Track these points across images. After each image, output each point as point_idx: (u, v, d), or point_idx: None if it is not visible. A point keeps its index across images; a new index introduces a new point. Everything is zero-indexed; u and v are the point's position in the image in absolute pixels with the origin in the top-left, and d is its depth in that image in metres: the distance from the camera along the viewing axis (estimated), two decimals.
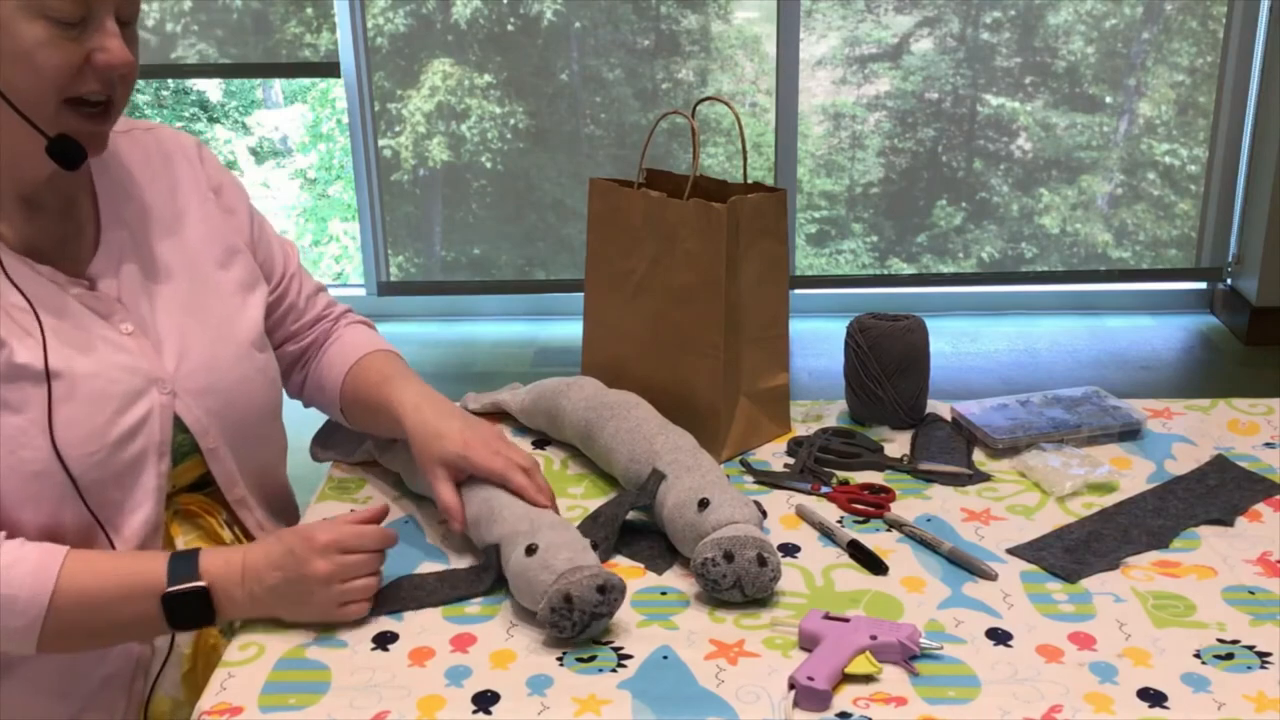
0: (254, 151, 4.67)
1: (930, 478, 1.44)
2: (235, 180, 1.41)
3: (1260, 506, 1.37)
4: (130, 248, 1.26)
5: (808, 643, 1.12)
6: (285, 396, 1.45)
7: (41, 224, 1.20)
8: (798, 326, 2.96)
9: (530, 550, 1.15)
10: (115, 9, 1.11)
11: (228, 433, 1.30)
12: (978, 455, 1.50)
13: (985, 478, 1.44)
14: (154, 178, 1.31)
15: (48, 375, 1.14)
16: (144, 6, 3.03)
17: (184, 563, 1.15)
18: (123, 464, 1.20)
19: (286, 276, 1.43)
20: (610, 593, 1.13)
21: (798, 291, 3.90)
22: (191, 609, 1.14)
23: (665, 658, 1.12)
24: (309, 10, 3.82)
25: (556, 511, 1.27)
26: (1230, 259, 3.94)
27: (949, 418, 1.58)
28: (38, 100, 1.10)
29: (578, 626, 1.12)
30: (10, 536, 1.13)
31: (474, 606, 1.20)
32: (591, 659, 1.12)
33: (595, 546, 1.21)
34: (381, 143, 3.90)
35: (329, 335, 1.47)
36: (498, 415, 1.60)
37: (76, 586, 1.12)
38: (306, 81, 4.49)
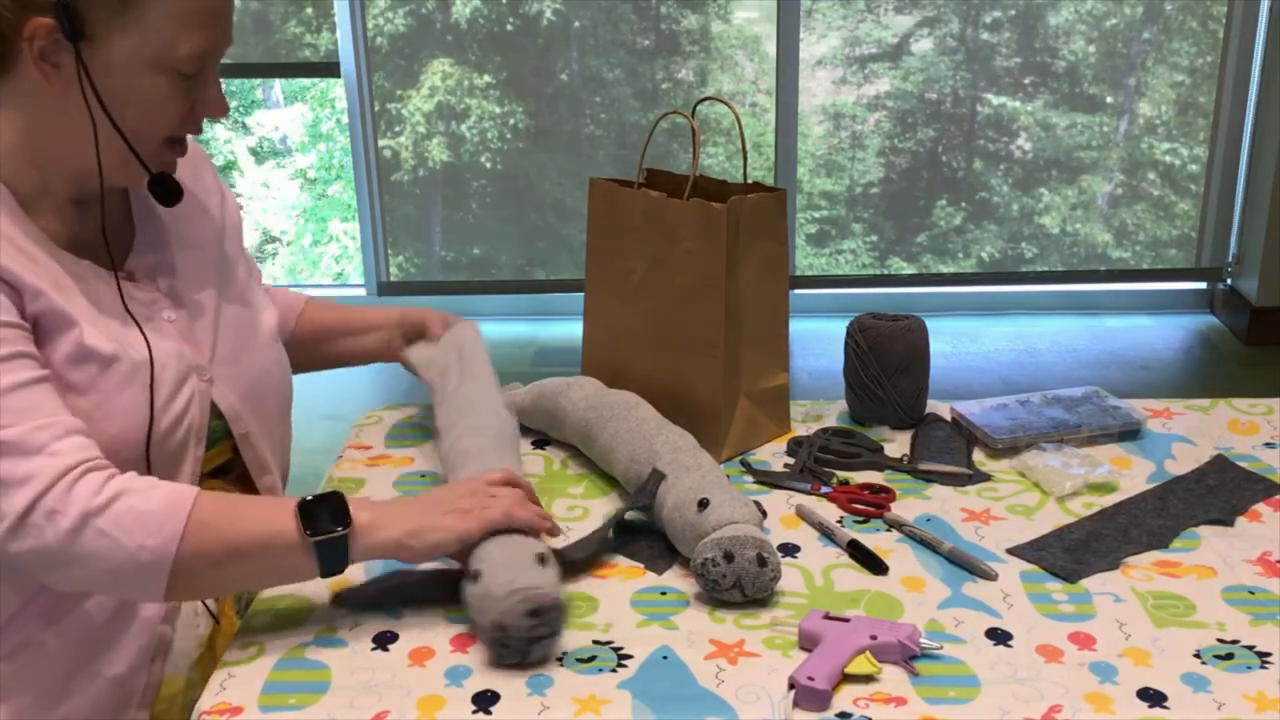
0: (254, 151, 4.66)
1: (930, 478, 1.44)
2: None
3: (1260, 506, 1.37)
4: (164, 242, 1.31)
5: (807, 643, 1.12)
6: None
7: (87, 221, 1.24)
8: (798, 326, 2.96)
9: (475, 576, 1.13)
10: (219, 60, 1.21)
11: (257, 419, 1.33)
12: (977, 455, 1.50)
13: (985, 478, 1.44)
14: (179, 174, 1.33)
15: (110, 360, 1.17)
16: None
17: (324, 495, 1.16)
18: (169, 448, 1.22)
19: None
20: (544, 614, 1.09)
21: (798, 291, 3.90)
22: (333, 526, 1.13)
23: (665, 658, 1.12)
24: (309, 10, 3.82)
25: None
26: (1230, 259, 3.94)
27: (949, 418, 1.58)
28: (145, 139, 1.18)
29: (519, 652, 1.10)
30: None
31: None
32: (591, 659, 1.12)
33: (563, 559, 1.20)
34: (381, 143, 3.90)
35: None
36: None
37: (212, 504, 1.12)
38: (306, 81, 4.49)
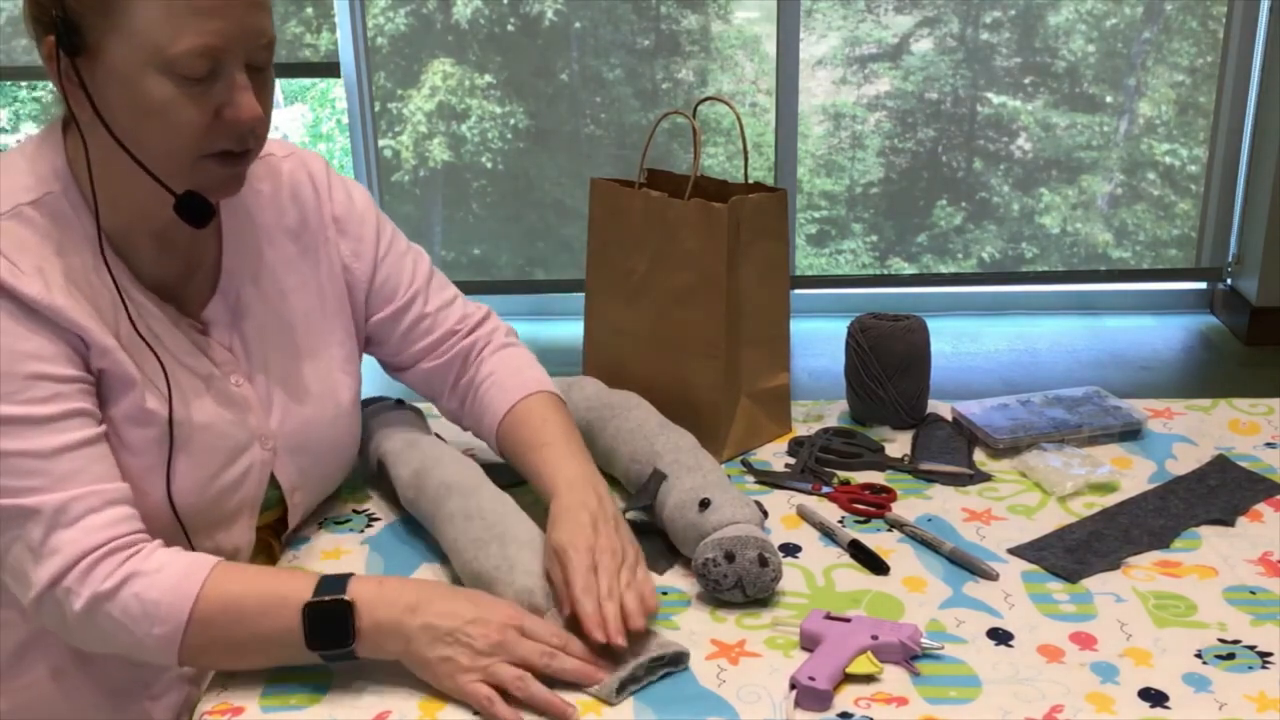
0: None
1: (931, 478, 1.44)
2: (358, 202, 1.34)
3: (1261, 506, 1.37)
4: (249, 292, 1.24)
5: (809, 643, 1.12)
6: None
7: (170, 260, 1.19)
8: (798, 326, 2.96)
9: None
10: (246, 58, 1.08)
11: (310, 488, 1.31)
12: (978, 455, 1.50)
13: (986, 478, 1.44)
14: (282, 213, 1.28)
15: (171, 424, 1.15)
16: None
17: (334, 580, 1.09)
18: (220, 515, 1.21)
19: (412, 290, 1.35)
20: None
21: (798, 291, 3.90)
22: (332, 625, 1.06)
23: None
24: (309, 10, 3.81)
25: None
26: (1230, 259, 3.94)
27: (950, 418, 1.58)
28: (172, 156, 1.09)
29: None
30: None
31: None
32: None
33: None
34: (381, 143, 3.90)
35: (473, 357, 1.39)
36: None
37: (220, 595, 1.07)
38: (306, 81, 4.49)
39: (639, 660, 1.07)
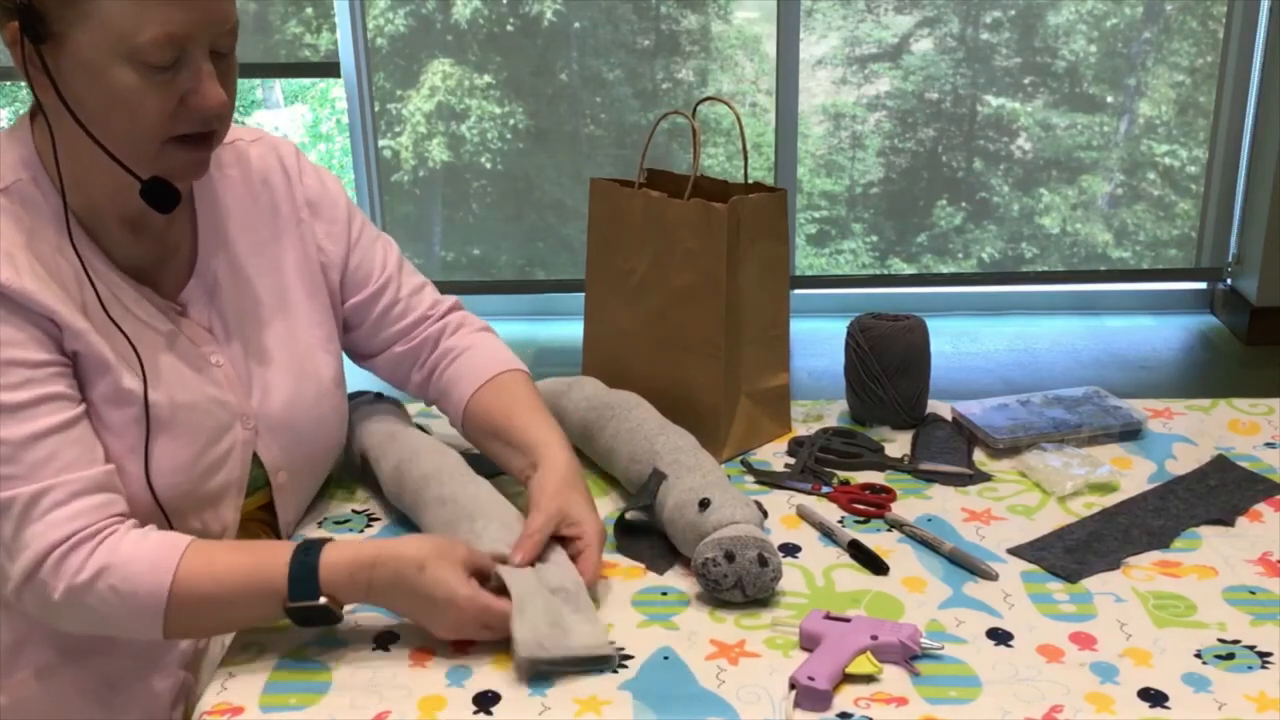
0: None
1: (931, 478, 1.44)
2: (330, 188, 1.35)
3: (1261, 506, 1.37)
4: (225, 274, 1.25)
5: (808, 643, 1.12)
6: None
7: (144, 244, 1.20)
8: (798, 326, 2.96)
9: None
10: (210, 44, 1.09)
11: (295, 469, 1.31)
12: (978, 455, 1.50)
13: (986, 478, 1.44)
14: (254, 198, 1.29)
15: (146, 404, 1.15)
16: None
17: (304, 568, 1.10)
18: (205, 496, 1.21)
19: (385, 276, 1.38)
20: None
21: (798, 291, 3.90)
22: (314, 618, 1.12)
23: (666, 658, 1.12)
24: (309, 10, 3.82)
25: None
26: (1230, 259, 3.94)
27: (950, 418, 1.58)
28: (136, 142, 1.10)
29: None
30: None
31: None
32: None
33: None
34: (381, 143, 3.90)
35: (444, 338, 1.41)
36: None
37: (194, 586, 1.09)
38: (306, 81, 4.49)
39: (565, 654, 1.08)
